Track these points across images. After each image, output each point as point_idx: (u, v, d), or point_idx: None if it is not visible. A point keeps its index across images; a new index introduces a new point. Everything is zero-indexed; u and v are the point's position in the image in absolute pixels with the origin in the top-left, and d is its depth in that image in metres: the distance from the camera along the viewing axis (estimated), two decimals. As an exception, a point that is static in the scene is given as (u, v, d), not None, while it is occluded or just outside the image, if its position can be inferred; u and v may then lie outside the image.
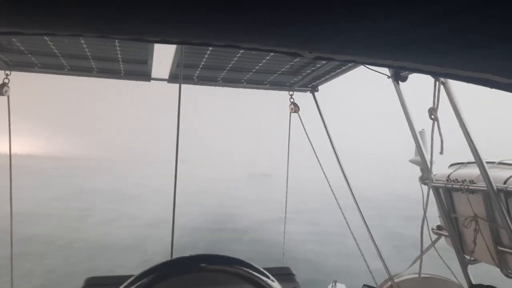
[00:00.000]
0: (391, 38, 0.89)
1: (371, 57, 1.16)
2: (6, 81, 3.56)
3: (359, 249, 3.51)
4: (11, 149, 3.83)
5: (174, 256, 1.10)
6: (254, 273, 1.01)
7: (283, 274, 1.14)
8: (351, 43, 1.00)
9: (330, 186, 4.06)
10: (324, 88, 4.45)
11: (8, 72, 3.56)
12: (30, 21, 0.72)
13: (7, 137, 3.93)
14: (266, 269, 1.06)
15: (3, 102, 3.74)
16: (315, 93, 4.35)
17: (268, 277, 1.03)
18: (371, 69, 3.12)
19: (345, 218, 3.76)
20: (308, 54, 1.04)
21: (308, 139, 4.35)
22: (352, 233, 3.62)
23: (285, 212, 4.74)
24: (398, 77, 3.05)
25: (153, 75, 3.93)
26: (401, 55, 1.08)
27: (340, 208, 3.83)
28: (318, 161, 4.29)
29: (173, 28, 0.81)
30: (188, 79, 4.02)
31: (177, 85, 4.11)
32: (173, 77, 3.94)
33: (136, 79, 3.99)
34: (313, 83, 4.27)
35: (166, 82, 4.05)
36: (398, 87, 3.16)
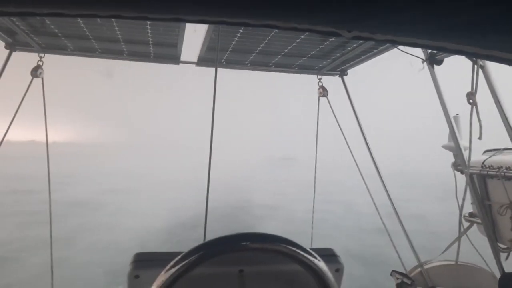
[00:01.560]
0: (433, 17, 0.86)
1: (412, 38, 1.13)
2: (40, 63, 3.62)
3: (388, 234, 3.48)
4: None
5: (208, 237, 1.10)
6: (300, 251, 1.01)
7: (327, 255, 1.14)
8: (393, 23, 0.97)
9: (359, 170, 4.03)
10: (352, 73, 4.38)
11: (42, 54, 3.63)
12: (63, 2, 0.72)
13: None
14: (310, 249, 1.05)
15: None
16: (344, 77, 4.28)
17: (315, 257, 1.03)
18: (405, 52, 3.05)
19: (374, 204, 3.73)
20: (347, 34, 1.01)
21: (338, 123, 4.30)
22: (382, 219, 3.59)
23: (314, 195, 4.73)
24: (433, 60, 2.97)
25: (182, 58, 3.94)
26: (442, 35, 1.05)
27: (370, 194, 3.79)
28: (348, 145, 4.24)
29: (210, 7, 0.80)
30: (215, 62, 4.02)
31: (204, 68, 4.13)
32: (202, 60, 3.94)
33: (165, 62, 4.00)
34: (342, 67, 4.21)
35: (194, 65, 4.05)
36: (433, 71, 3.08)
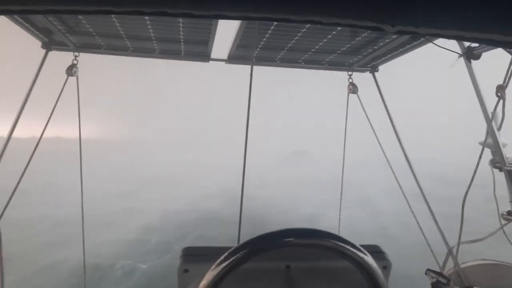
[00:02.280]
0: (480, 9, 0.83)
1: (457, 31, 1.10)
2: (75, 62, 3.71)
3: (421, 229, 3.42)
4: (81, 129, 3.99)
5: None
6: (349, 247, 1.00)
7: (374, 251, 1.12)
8: (440, 16, 0.94)
9: (391, 167, 3.97)
10: (382, 69, 4.32)
11: (76, 53, 3.71)
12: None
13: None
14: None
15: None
16: (375, 73, 4.22)
17: (364, 253, 1.01)
18: (440, 46, 2.98)
19: (408, 202, 3.66)
20: (390, 28, 0.99)
21: (368, 120, 4.24)
22: (414, 216, 3.52)
23: (341, 191, 4.68)
24: (470, 54, 2.90)
25: (212, 55, 3.96)
26: (489, 27, 1.02)
27: (404, 195, 3.73)
28: (379, 142, 4.18)
29: (251, 3, 0.80)
30: (246, 59, 4.02)
31: (234, 66, 4.14)
32: (233, 58, 3.95)
33: (195, 60, 4.03)
34: (373, 63, 4.15)
35: (224, 62, 4.06)
36: (470, 66, 3.01)
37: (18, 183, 3.39)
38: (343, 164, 4.60)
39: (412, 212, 3.60)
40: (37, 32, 3.41)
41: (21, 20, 3.11)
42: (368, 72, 4.24)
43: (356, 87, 4.21)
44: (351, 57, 4.00)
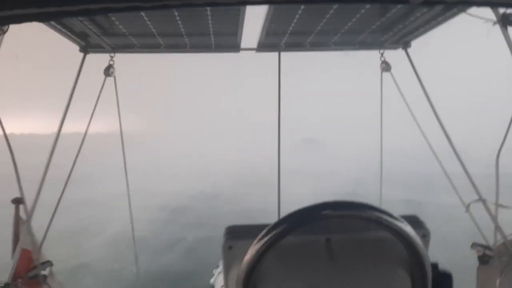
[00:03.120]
0: None
1: None
2: (111, 62, 3.86)
3: (467, 208, 3.35)
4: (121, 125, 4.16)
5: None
6: (388, 218, 1.03)
7: (412, 221, 1.15)
8: None
9: (430, 146, 3.90)
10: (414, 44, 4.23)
11: (112, 54, 3.86)
12: None
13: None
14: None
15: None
16: (408, 49, 4.14)
17: (403, 222, 1.04)
18: (474, 15, 2.89)
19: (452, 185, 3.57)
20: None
21: (403, 98, 4.18)
22: (459, 197, 3.45)
23: (381, 172, 4.64)
24: (506, 21, 2.80)
25: (242, 45, 4.00)
26: None
27: (447, 174, 3.65)
28: (416, 122, 4.11)
29: None
30: (276, 47, 4.04)
31: (264, 54, 4.17)
32: (262, 46, 3.98)
33: (226, 51, 4.09)
34: (405, 39, 4.07)
35: (254, 51, 4.10)
36: (506, 32, 2.90)
37: (70, 172, 3.67)
38: (381, 145, 4.55)
39: (456, 190, 3.53)
40: (74, 37, 3.57)
41: (59, 27, 3.26)
42: (400, 49, 4.16)
43: (389, 65, 4.15)
44: (382, 35, 3.94)
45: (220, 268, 10.51)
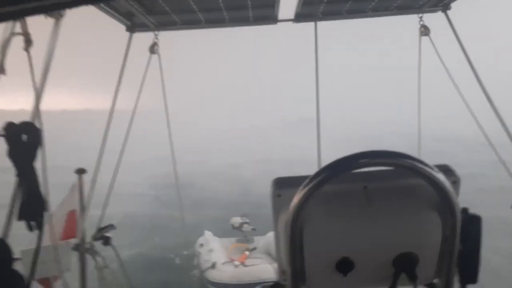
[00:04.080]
0: None
1: None
2: (156, 40, 4.06)
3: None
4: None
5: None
6: (420, 165, 1.14)
7: (444, 169, 1.26)
8: None
9: (475, 118, 3.84)
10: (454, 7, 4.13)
11: (156, 32, 4.05)
12: None
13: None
14: None
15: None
16: (448, 11, 4.07)
17: (433, 169, 1.15)
18: None
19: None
20: None
21: (442, 63, 4.14)
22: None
23: (419, 142, 4.59)
24: None
25: (280, 17, 4.07)
26: None
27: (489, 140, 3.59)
28: (458, 89, 4.05)
29: None
30: (313, 16, 4.08)
31: (301, 25, 4.23)
32: (300, 16, 4.03)
33: (264, 23, 4.18)
34: (445, 1, 4.00)
35: (291, 22, 4.17)
36: None
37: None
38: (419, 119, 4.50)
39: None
40: (121, 17, 3.77)
41: (107, 8, 3.46)
42: (440, 12, 4.10)
43: (428, 29, 4.11)
44: None
45: (204, 237, 10.85)
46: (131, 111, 4.18)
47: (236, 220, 11.16)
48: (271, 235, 12.21)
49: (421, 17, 4.11)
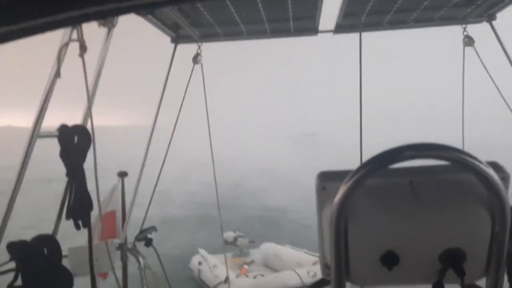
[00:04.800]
0: None
1: None
2: (199, 51, 4.19)
3: None
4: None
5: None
6: (470, 159, 1.13)
7: (493, 166, 1.23)
8: None
9: None
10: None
11: (199, 43, 4.18)
12: None
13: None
14: None
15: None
16: (493, 22, 3.99)
17: (484, 164, 1.14)
18: None
19: None
20: None
21: (488, 73, 4.04)
22: None
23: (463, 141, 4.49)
24: None
25: (320, 28, 4.12)
26: None
27: None
28: (505, 100, 3.94)
29: None
30: (354, 27, 4.10)
31: (340, 36, 4.25)
32: (340, 27, 4.06)
33: (304, 35, 4.23)
34: (490, 11, 3.92)
35: (332, 33, 4.20)
36: None
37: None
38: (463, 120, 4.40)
39: None
40: (166, 28, 3.93)
41: (154, 19, 3.62)
42: (484, 22, 4.02)
43: (473, 39, 4.03)
44: (465, 9, 3.84)
45: (199, 254, 10.63)
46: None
47: (230, 234, 11.10)
48: (265, 247, 12.21)
49: (465, 28, 4.04)
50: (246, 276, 9.69)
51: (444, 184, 1.29)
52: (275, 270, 10.65)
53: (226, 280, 9.09)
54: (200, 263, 10.37)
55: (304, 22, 3.95)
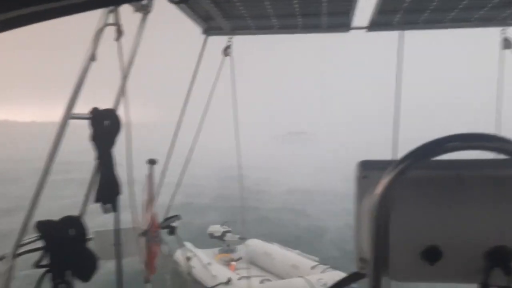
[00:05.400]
0: None
1: None
2: (229, 43, 4.18)
3: None
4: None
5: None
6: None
7: None
8: None
9: None
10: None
11: (231, 36, 4.17)
12: None
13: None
14: None
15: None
16: None
17: None
18: None
19: None
20: None
21: None
22: None
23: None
24: None
25: (353, 25, 4.04)
26: None
27: None
28: None
29: None
30: (389, 25, 4.01)
31: (375, 33, 4.17)
32: (374, 25, 3.97)
33: (336, 31, 4.17)
34: None
35: (365, 30, 4.12)
36: None
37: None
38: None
39: None
40: (198, 19, 3.92)
41: (188, 9, 3.61)
42: None
43: (510, 42, 3.91)
44: (504, 10, 3.72)
45: (185, 248, 9.39)
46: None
47: (216, 228, 10.31)
48: (250, 243, 11.47)
49: (503, 30, 3.93)
50: (249, 278, 9.07)
51: (493, 179, 1.23)
52: (265, 269, 10.18)
53: (229, 282, 8.48)
54: (189, 259, 9.14)
55: (337, 18, 3.89)
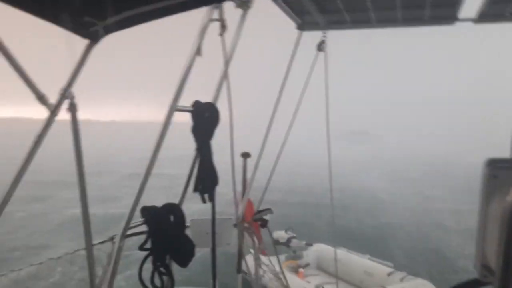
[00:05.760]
0: None
1: None
2: (324, 38, 4.11)
3: None
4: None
5: None
6: None
7: None
8: None
9: None
10: None
11: (325, 31, 4.10)
12: None
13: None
14: None
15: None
16: None
17: None
18: None
19: None
20: None
21: None
22: None
23: None
24: None
25: (460, 16, 3.76)
26: None
27: None
28: None
29: None
30: (499, 16, 3.68)
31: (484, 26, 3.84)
32: (484, 16, 3.66)
33: (440, 23, 3.91)
34: None
35: (472, 22, 3.82)
36: None
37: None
38: None
39: None
40: (293, 14, 3.91)
41: (283, 4, 3.61)
42: None
43: None
44: None
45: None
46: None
47: (281, 234, 9.73)
48: (317, 248, 10.72)
49: None
50: (308, 282, 8.73)
51: None
52: (335, 276, 9.45)
53: None
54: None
55: (442, 10, 3.65)
